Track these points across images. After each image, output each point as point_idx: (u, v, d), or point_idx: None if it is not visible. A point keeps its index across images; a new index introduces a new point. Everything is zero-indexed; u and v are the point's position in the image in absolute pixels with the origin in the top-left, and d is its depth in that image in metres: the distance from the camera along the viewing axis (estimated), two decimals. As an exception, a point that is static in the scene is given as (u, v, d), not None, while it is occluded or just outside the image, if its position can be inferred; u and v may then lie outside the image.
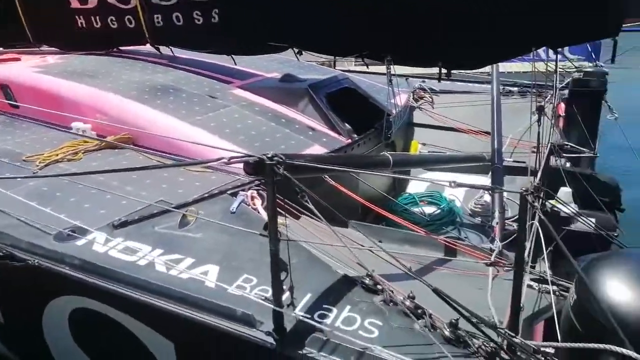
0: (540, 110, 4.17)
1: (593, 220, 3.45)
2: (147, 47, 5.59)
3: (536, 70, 4.88)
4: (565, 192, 3.94)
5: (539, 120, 4.03)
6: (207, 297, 2.25)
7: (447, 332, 2.00)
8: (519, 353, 1.88)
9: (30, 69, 5.04)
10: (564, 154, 4.87)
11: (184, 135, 3.82)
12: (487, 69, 5.51)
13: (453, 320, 1.99)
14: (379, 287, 2.28)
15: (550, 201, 3.19)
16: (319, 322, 2.08)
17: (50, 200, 3.07)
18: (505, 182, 4.33)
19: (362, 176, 3.82)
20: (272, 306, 2.02)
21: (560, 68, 5.28)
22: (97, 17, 5.39)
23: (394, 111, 5.07)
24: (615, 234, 3.52)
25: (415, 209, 4.69)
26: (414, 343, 1.98)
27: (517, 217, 2.02)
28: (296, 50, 4.89)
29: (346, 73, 6.15)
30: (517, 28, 3.74)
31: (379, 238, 3.35)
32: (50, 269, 2.57)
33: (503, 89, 5.98)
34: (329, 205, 2.11)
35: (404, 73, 6.34)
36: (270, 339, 2.06)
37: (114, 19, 5.31)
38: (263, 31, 4.76)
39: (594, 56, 6.30)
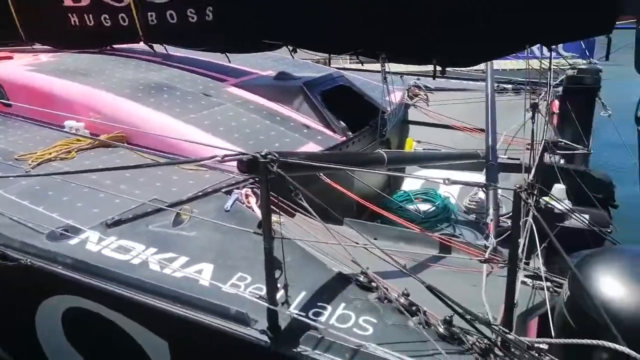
0: (534, 107, 4.19)
1: (587, 216, 3.46)
2: (141, 45, 5.56)
3: (530, 67, 4.89)
4: (559, 188, 3.95)
5: (533, 118, 4.05)
6: (201, 295, 2.24)
7: (441, 329, 2.00)
8: (512, 349, 1.88)
9: (22, 67, 5.01)
10: (558, 151, 4.88)
11: (178, 134, 3.80)
12: (482, 66, 5.51)
13: (447, 317, 1.99)
14: (374, 284, 2.28)
15: (544, 198, 3.20)
16: (314, 320, 2.07)
17: (43, 199, 3.05)
18: (499, 179, 4.34)
19: (357, 174, 3.82)
20: (266, 304, 2.01)
21: (554, 65, 5.29)
22: (91, 15, 5.36)
23: (388, 109, 5.06)
24: (609, 230, 3.54)
25: (410, 207, 4.70)
26: (408, 340, 1.98)
27: (511, 214, 2.02)
28: (291, 48, 4.88)
29: (341, 71, 6.15)
30: (511, 25, 3.74)
31: (374, 235, 3.35)
32: (43, 268, 2.55)
33: (497, 86, 5.99)
34: (322, 203, 2.11)
35: (399, 71, 6.34)
36: (264, 337, 2.05)
37: (107, 17, 5.28)
38: (257, 29, 4.74)
39: (587, 53, 6.33)
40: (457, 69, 5.81)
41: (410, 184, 5.31)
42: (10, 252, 2.64)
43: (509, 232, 1.95)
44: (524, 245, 2.49)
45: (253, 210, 2.91)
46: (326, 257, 2.56)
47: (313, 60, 7.16)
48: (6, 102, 4.62)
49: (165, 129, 3.89)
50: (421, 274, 2.68)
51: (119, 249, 2.58)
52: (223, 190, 3.09)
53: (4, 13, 5.64)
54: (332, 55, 6.02)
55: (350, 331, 2.05)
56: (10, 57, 5.57)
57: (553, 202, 3.25)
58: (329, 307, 2.18)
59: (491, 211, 3.71)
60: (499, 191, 3.83)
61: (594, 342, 1.67)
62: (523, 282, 2.62)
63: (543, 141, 4.29)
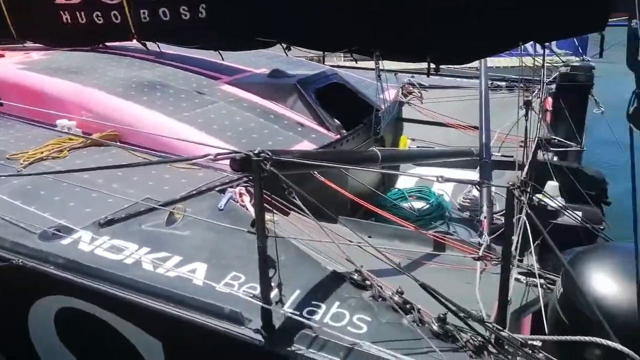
0: (528, 104, 4.19)
1: (579, 213, 3.48)
2: (134, 43, 5.53)
3: (523, 64, 4.90)
4: (552, 186, 3.96)
5: (526, 115, 4.06)
6: (195, 295, 2.23)
7: (435, 327, 2.00)
8: (506, 346, 1.89)
9: (14, 65, 4.96)
10: (551, 148, 4.90)
11: (171, 132, 3.78)
12: (476, 63, 5.52)
13: (441, 315, 2.00)
14: (368, 282, 2.28)
15: (537, 195, 3.21)
16: (308, 319, 2.07)
17: (35, 198, 3.02)
18: (493, 177, 4.35)
19: (351, 172, 3.82)
20: (260, 303, 2.01)
21: (547, 63, 5.30)
22: (83, 13, 5.31)
23: (382, 106, 5.06)
24: (602, 227, 3.55)
25: (405, 204, 4.70)
26: (402, 338, 1.99)
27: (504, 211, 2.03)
28: (284, 46, 4.86)
29: (335, 68, 6.14)
30: (505, 23, 3.75)
31: (369, 233, 3.35)
32: (35, 268, 2.53)
33: (491, 83, 6.01)
34: (316, 201, 2.10)
35: (393, 68, 6.34)
36: (258, 337, 2.05)
37: (99, 15, 5.24)
38: (251, 26, 4.72)
39: (580, 51, 6.35)
40: (451, 66, 5.81)
41: (404, 182, 5.31)
42: (2, 252, 2.62)
43: (503, 229, 1.95)
44: (517, 243, 2.49)
45: (247, 209, 2.90)
46: (320, 255, 2.56)
47: (307, 58, 7.14)
48: (-3, 101, 4.58)
49: (158, 127, 3.87)
50: (415, 272, 2.68)
51: (111, 248, 2.57)
52: (217, 189, 3.08)
53: (-5, 11, 5.59)
54: (326, 52, 6.01)
55: (345, 329, 2.05)
56: (2, 56, 5.52)
57: (546, 200, 3.26)
58: (323, 306, 2.18)
59: (485, 209, 3.72)
60: (493, 188, 3.84)
61: (587, 338, 1.68)
62: (517, 280, 2.63)
63: (536, 138, 4.30)
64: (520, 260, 2.76)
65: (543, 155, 4.57)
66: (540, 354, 1.86)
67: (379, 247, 2.30)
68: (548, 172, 4.02)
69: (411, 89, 6.48)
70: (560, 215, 3.43)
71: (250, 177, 2.18)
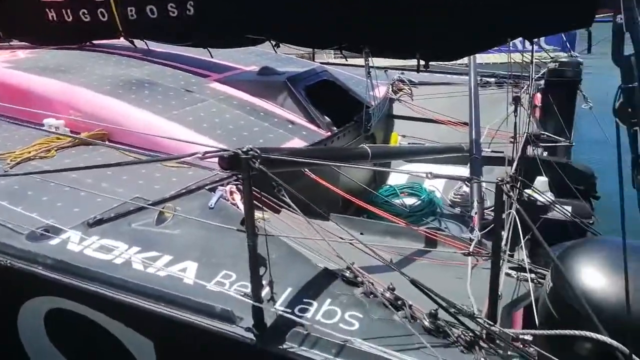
0: (517, 100, 4.23)
1: (569, 208, 3.51)
2: (122, 41, 5.47)
3: (512, 61, 4.92)
4: (541, 181, 3.99)
5: (515, 111, 4.09)
6: (186, 294, 2.22)
7: (426, 323, 2.01)
8: (497, 341, 1.90)
9: (-1, 64, 4.90)
10: (541, 144, 4.94)
11: (160, 131, 3.75)
12: (465, 60, 5.54)
13: (432, 311, 2.00)
14: (359, 279, 2.28)
15: (526, 190, 3.23)
16: (300, 317, 2.07)
17: (22, 199, 2.98)
18: (484, 172, 4.37)
19: (342, 169, 3.81)
20: (251, 302, 2.00)
21: (536, 59, 5.34)
22: (69, 10, 5.26)
23: (373, 103, 5.07)
24: (591, 222, 3.59)
25: (396, 201, 4.71)
26: (394, 334, 1.99)
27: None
28: (273, 43, 4.85)
29: (325, 66, 6.13)
30: (493, 19, 3.76)
31: (360, 230, 3.36)
32: (23, 269, 2.50)
33: (480, 80, 6.03)
34: (304, 199, 2.10)
35: (383, 65, 6.35)
36: (250, 335, 2.04)
37: (86, 12, 5.19)
38: (240, 23, 4.69)
39: (568, 46, 6.40)
40: (441, 63, 5.83)
41: (396, 179, 5.32)
42: None
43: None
44: (507, 238, 2.51)
45: (238, 207, 2.88)
46: (312, 253, 2.56)
47: (298, 55, 7.13)
48: (-17, 100, 4.51)
49: (147, 126, 3.84)
50: (407, 268, 2.69)
51: (101, 248, 2.54)
52: (207, 187, 3.06)
53: (-20, 9, 5.52)
54: (315, 50, 5.99)
55: (336, 327, 2.05)
56: (-13, 54, 5.44)
57: (535, 195, 3.28)
58: (315, 303, 2.17)
59: (475, 204, 3.74)
60: (484, 184, 3.86)
61: (577, 332, 1.69)
62: (507, 274, 2.64)
63: (525, 134, 4.33)
64: (511, 255, 2.77)
65: (532, 150, 4.61)
66: (531, 349, 1.88)
67: (370, 243, 2.30)
68: (537, 167, 4.05)
69: (401, 85, 6.48)
70: (549, 210, 3.46)
71: (240, 175, 2.17)
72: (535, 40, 4.09)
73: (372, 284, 2.22)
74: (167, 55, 5.50)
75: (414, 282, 1.91)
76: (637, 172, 1.56)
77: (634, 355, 1.57)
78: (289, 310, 2.09)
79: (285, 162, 2.23)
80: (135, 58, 5.28)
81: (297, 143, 4.11)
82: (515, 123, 4.01)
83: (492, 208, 3.71)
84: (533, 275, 2.59)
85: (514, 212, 2.22)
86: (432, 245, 3.20)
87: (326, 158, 2.84)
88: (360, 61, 4.74)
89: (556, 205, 3.38)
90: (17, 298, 2.68)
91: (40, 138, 3.81)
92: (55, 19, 5.31)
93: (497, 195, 1.89)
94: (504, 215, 2.21)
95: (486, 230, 3.15)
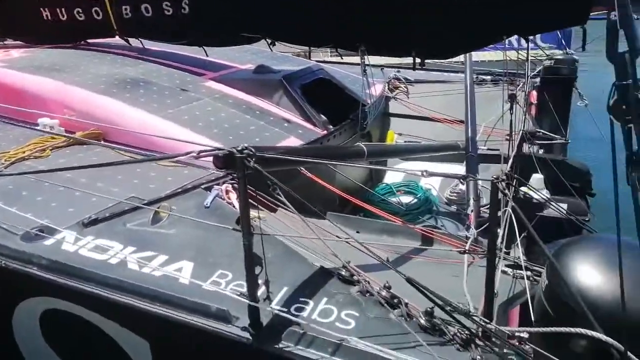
0: (513, 98, 4.22)
1: (564, 206, 3.52)
2: (117, 40, 5.45)
3: (508, 58, 4.92)
4: (537, 178, 4.00)
5: (511, 108, 4.08)
6: (182, 294, 2.21)
7: (422, 321, 2.00)
8: (493, 339, 1.90)
9: (-7, 63, 4.87)
10: (536, 141, 4.95)
11: (156, 130, 3.73)
12: (461, 58, 5.54)
13: (428, 309, 2.00)
14: (355, 278, 2.27)
15: (522, 188, 3.24)
16: (296, 316, 2.06)
17: (17, 199, 2.97)
18: (480, 170, 4.37)
19: (338, 167, 3.81)
20: (247, 301, 1.99)
21: (531, 56, 5.35)
22: (63, 9, 5.23)
23: (369, 101, 5.06)
24: (587, 219, 3.60)
25: (393, 199, 4.71)
26: (390, 333, 1.99)
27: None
28: (269, 41, 4.83)
29: (321, 64, 6.12)
30: (489, 17, 3.76)
31: (357, 229, 3.35)
32: (18, 270, 2.49)
33: (476, 77, 6.03)
34: (300, 197, 2.10)
35: (379, 63, 6.34)
36: (246, 334, 2.04)
37: (80, 11, 5.16)
38: (235, 22, 4.68)
39: (564, 44, 6.41)
40: (437, 60, 5.83)
41: (392, 177, 5.32)
42: None
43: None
44: (503, 235, 2.51)
45: (234, 206, 2.87)
46: (308, 252, 2.55)
47: (294, 54, 7.11)
48: (-23, 100, 4.48)
49: (142, 125, 3.82)
50: (403, 266, 2.69)
51: (96, 248, 2.53)
52: (203, 186, 3.05)
53: (-27, 8, 5.48)
54: (311, 48, 5.98)
55: (333, 325, 2.05)
56: (-19, 54, 5.41)
57: (531, 192, 3.29)
58: (311, 302, 2.17)
59: (471, 202, 3.74)
60: (480, 182, 3.86)
61: (572, 330, 1.70)
62: (503, 272, 2.65)
63: (521, 132, 4.34)
64: (507, 253, 2.78)
65: (528, 148, 4.61)
66: (527, 346, 1.88)
67: (366, 242, 2.30)
68: (533, 164, 4.06)
69: (397, 83, 6.48)
70: (545, 207, 3.46)
71: (235, 174, 2.17)
72: (531, 37, 4.09)
73: (368, 283, 2.22)
74: (162, 53, 5.48)
75: (409, 281, 1.91)
76: (632, 170, 1.56)
77: (629, 352, 1.58)
78: (285, 310, 2.08)
79: (281, 161, 2.22)
80: (130, 57, 5.25)
81: (293, 141, 4.10)
82: (511, 121, 4.01)
83: (488, 206, 3.73)
84: (529, 273, 2.60)
85: (510, 210, 2.22)
86: (428, 243, 3.20)
87: (322, 156, 2.83)
88: (356, 59, 4.73)
89: (552, 202, 3.39)
90: (12, 299, 2.67)
91: (35, 138, 3.79)
92: (49, 17, 5.29)
93: (493, 193, 1.89)
94: (499, 213, 2.22)
95: (482, 228, 3.15)
